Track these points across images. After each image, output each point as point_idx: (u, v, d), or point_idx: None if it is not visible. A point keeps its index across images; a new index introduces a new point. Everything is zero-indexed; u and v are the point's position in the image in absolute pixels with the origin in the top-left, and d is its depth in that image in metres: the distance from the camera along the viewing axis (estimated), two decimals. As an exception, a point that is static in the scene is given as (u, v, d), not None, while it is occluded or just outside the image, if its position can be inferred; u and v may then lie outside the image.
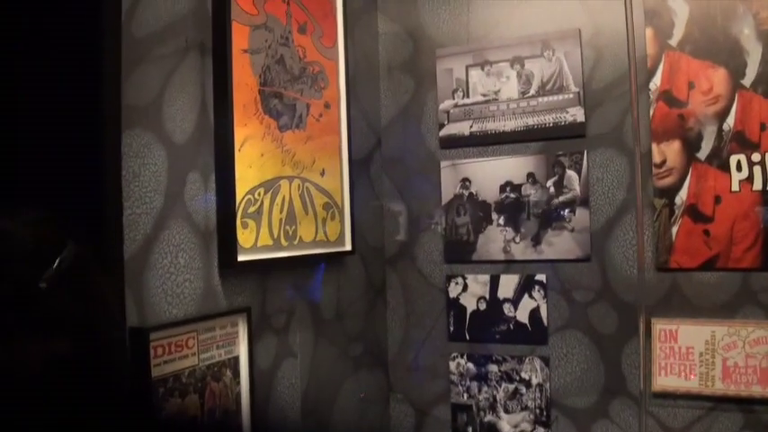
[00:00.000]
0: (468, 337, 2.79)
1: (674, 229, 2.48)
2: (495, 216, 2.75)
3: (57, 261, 1.10)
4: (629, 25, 2.37)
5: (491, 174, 2.76)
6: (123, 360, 1.63)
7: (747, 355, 2.38)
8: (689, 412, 2.47)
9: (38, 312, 1.08)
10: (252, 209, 2.09)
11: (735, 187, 2.40)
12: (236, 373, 2.00)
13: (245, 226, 2.05)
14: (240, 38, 2.07)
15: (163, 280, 1.79)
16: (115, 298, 1.26)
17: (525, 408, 2.69)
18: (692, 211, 2.46)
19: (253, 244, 2.09)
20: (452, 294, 2.82)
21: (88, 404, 1.53)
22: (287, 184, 2.26)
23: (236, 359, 2.00)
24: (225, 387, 1.95)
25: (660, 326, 2.49)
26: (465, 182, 2.79)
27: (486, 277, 2.76)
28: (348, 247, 2.57)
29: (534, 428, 2.66)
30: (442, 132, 2.84)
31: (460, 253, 2.80)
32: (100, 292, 1.22)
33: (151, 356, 1.69)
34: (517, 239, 2.71)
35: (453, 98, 2.82)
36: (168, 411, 1.73)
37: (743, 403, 2.40)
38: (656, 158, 2.50)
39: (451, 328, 2.82)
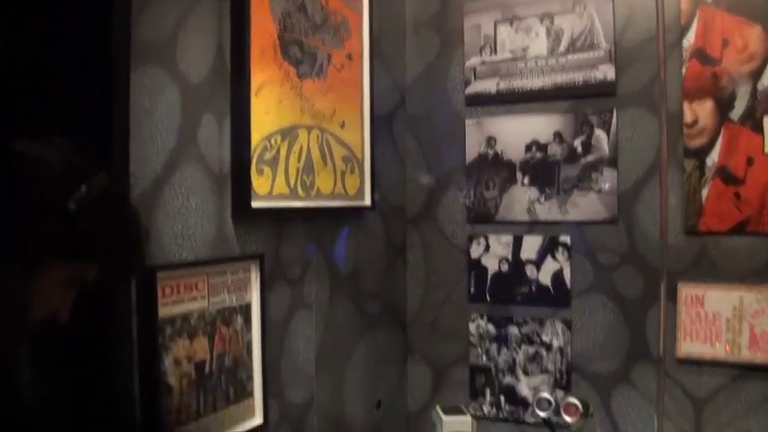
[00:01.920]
0: (488, 299, 2.74)
1: (704, 192, 2.40)
2: (519, 176, 2.69)
3: (86, 185, 1.09)
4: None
5: (517, 133, 2.69)
6: (127, 297, 1.62)
7: (776, 321, 2.30)
8: (713, 380, 2.41)
9: (67, 236, 1.07)
10: (268, 155, 2.06)
11: (768, 149, 2.32)
12: (248, 320, 1.98)
13: (260, 172, 2.02)
14: (259, -19, 2.03)
15: (173, 221, 1.76)
16: (142, 234, 1.24)
17: (545, 371, 2.63)
18: (723, 173, 2.38)
19: (268, 191, 2.06)
20: (474, 255, 2.77)
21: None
22: (305, 134, 2.22)
23: (248, 306, 1.98)
24: (235, 332, 1.93)
25: (687, 291, 2.42)
26: (490, 140, 2.73)
27: (510, 238, 2.71)
28: (367, 202, 2.52)
29: (553, 392, 2.60)
30: (469, 90, 2.78)
31: (484, 213, 2.75)
32: (129, 226, 1.21)
33: (159, 296, 1.67)
34: (542, 200, 2.65)
35: (480, 55, 2.76)
36: (175, 351, 1.71)
37: (770, 371, 2.32)
38: (688, 118, 2.42)
39: (472, 290, 2.77)
